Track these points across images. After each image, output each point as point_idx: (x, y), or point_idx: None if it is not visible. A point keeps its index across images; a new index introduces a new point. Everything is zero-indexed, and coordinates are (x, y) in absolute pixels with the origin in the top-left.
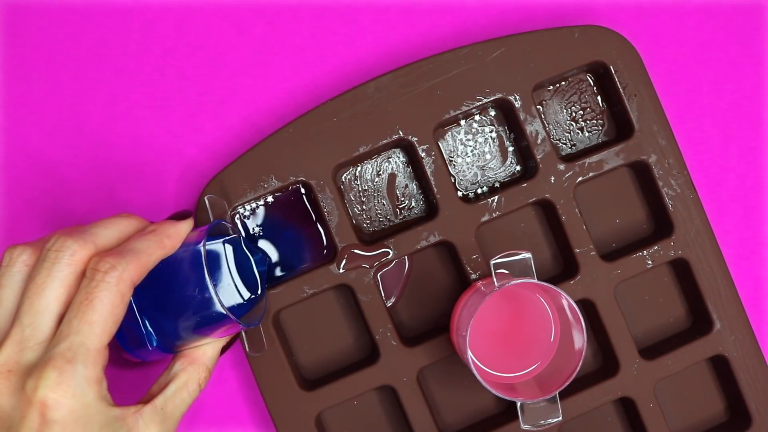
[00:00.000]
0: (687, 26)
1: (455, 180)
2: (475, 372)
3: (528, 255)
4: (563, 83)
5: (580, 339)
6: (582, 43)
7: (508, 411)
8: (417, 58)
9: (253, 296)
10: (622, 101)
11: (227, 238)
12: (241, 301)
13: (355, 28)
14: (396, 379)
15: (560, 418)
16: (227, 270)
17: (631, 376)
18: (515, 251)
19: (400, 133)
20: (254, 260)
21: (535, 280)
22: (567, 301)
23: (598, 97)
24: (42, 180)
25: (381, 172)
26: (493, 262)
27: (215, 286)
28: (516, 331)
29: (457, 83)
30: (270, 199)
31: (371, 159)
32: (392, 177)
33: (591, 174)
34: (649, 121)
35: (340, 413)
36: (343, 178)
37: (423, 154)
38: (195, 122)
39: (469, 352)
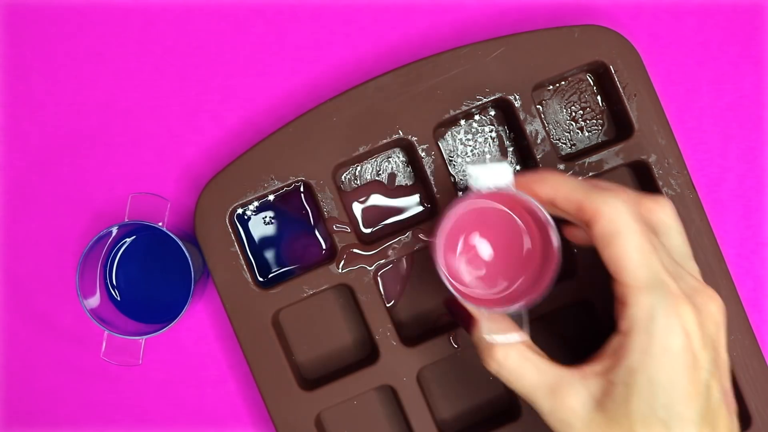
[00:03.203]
0: (687, 26)
1: (455, 180)
2: (448, 286)
3: (507, 164)
4: (563, 83)
5: (555, 240)
6: (582, 42)
7: (508, 411)
8: (417, 58)
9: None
10: (621, 101)
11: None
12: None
13: (354, 28)
14: (396, 379)
15: (527, 338)
16: None
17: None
18: (495, 157)
19: (400, 132)
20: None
21: (513, 190)
22: (534, 206)
23: (598, 97)
24: (42, 180)
25: (381, 172)
26: (468, 167)
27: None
28: (496, 251)
29: (457, 83)
30: (270, 198)
31: (371, 159)
32: (392, 177)
33: (591, 174)
34: (649, 121)
35: (340, 413)
36: (343, 177)
37: (423, 154)
38: (195, 122)
39: (442, 267)
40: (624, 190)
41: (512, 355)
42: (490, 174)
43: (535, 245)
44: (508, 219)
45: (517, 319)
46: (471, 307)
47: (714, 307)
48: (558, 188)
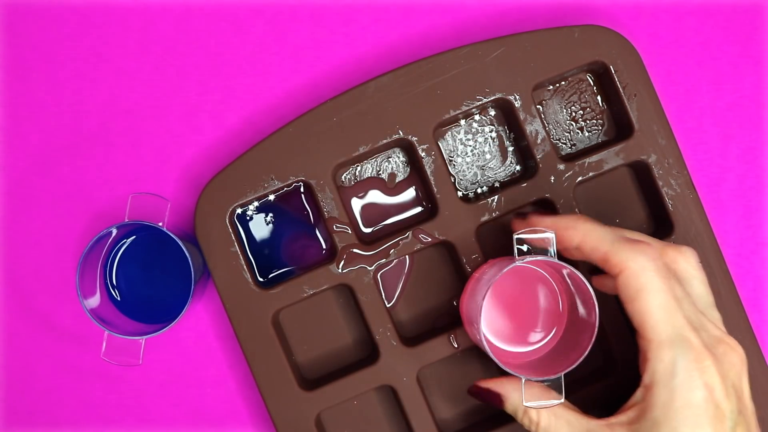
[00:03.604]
0: (687, 26)
1: (455, 180)
2: (488, 350)
3: (551, 234)
4: (563, 83)
5: (590, 314)
6: (582, 43)
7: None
8: (417, 58)
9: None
10: (622, 101)
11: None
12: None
13: (354, 28)
14: (396, 379)
15: (562, 400)
16: None
17: (631, 376)
18: (540, 228)
19: (400, 132)
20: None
21: (555, 259)
22: (579, 279)
23: (598, 97)
24: (42, 180)
25: (381, 172)
26: (516, 236)
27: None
28: (526, 309)
29: (457, 83)
30: (271, 198)
31: (371, 159)
32: (392, 177)
33: (591, 174)
34: (649, 121)
35: (340, 413)
36: (343, 177)
37: (423, 154)
38: (195, 122)
39: (482, 329)
40: (648, 243)
41: (544, 414)
42: (537, 242)
43: (572, 311)
44: (547, 285)
45: (555, 382)
46: (506, 377)
47: (735, 357)
48: (587, 237)
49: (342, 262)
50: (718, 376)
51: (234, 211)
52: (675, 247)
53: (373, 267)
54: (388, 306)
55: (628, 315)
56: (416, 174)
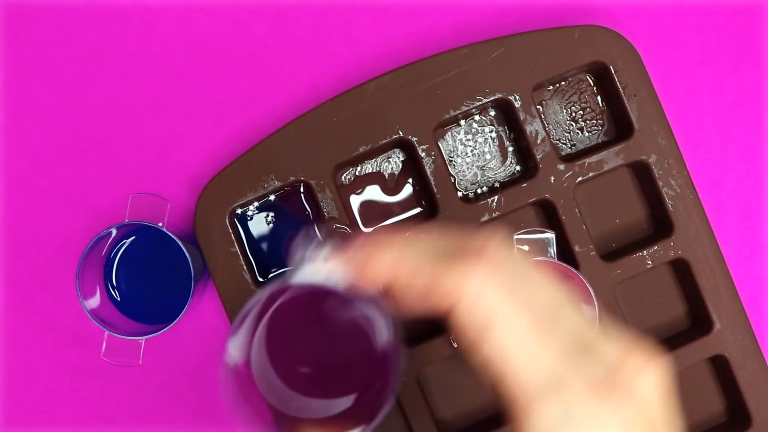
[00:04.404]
0: (687, 26)
1: (455, 180)
2: None
3: (551, 234)
4: (563, 83)
5: (590, 315)
6: (582, 43)
7: None
8: (417, 58)
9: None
10: (622, 101)
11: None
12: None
13: (355, 28)
14: None
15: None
16: None
17: None
18: (539, 228)
19: (400, 133)
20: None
21: (555, 259)
22: (579, 280)
23: (598, 97)
24: (42, 180)
25: (381, 172)
26: (516, 236)
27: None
28: None
29: (457, 83)
30: (271, 198)
31: (371, 159)
32: (392, 177)
33: (591, 174)
34: (649, 121)
35: None
36: (343, 178)
37: (423, 154)
38: (195, 122)
39: None
40: (485, 250)
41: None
42: (536, 243)
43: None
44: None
45: None
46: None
47: (645, 379)
48: (395, 265)
49: None
50: (621, 420)
51: (234, 211)
52: (494, 251)
53: None
54: None
55: (473, 366)
56: (416, 174)
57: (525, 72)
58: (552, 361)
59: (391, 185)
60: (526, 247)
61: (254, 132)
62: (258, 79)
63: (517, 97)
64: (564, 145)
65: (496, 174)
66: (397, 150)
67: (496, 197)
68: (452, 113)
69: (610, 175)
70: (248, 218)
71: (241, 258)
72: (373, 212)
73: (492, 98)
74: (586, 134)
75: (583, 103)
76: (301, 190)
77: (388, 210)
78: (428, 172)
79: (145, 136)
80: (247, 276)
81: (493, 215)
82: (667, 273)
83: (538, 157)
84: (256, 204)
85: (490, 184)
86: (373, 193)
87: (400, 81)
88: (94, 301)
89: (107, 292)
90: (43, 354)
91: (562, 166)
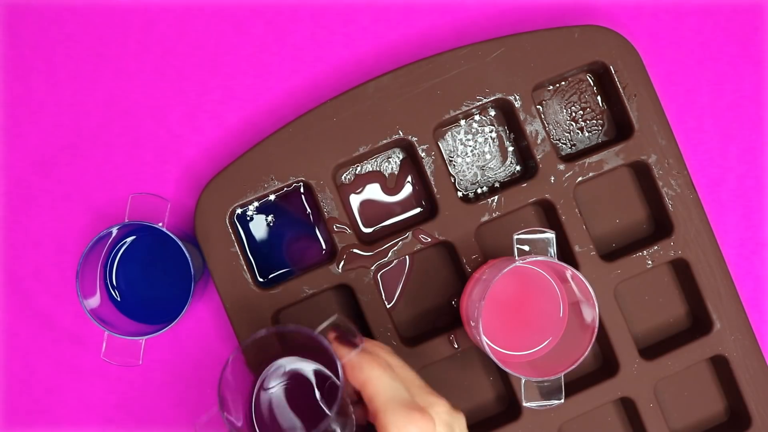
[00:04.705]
0: (687, 26)
1: (455, 180)
2: (487, 350)
3: (551, 234)
4: (563, 83)
5: (590, 315)
6: (582, 43)
7: (508, 411)
8: (417, 58)
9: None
10: (622, 101)
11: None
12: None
13: (354, 28)
14: None
15: (562, 401)
16: None
17: (631, 377)
18: (539, 228)
19: (400, 133)
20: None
21: (555, 259)
22: (580, 280)
23: (598, 97)
24: (42, 180)
25: (381, 172)
26: (516, 236)
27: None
28: (526, 309)
29: (457, 83)
30: (271, 198)
31: (371, 159)
32: (392, 177)
33: (591, 174)
34: (649, 121)
35: None
36: (343, 178)
37: (423, 154)
38: (195, 122)
39: (481, 329)
40: (429, 412)
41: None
42: (536, 243)
43: (571, 312)
44: (546, 285)
45: (554, 382)
46: (512, 374)
47: (439, 411)
48: (369, 383)
49: (342, 263)
50: (428, 428)
51: (234, 211)
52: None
53: (373, 267)
54: (388, 306)
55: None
56: (416, 174)
57: (525, 72)
58: (395, 391)
59: (391, 185)
60: (526, 247)
61: (254, 132)
62: (258, 79)
63: (517, 97)
64: (564, 145)
65: (496, 174)
66: (397, 150)
67: (496, 197)
68: (452, 113)
69: (610, 175)
70: (248, 218)
71: (241, 258)
72: (373, 212)
73: (492, 98)
74: (586, 134)
75: (583, 103)
76: (301, 190)
77: (388, 209)
78: (428, 172)
79: (145, 136)
80: (247, 276)
81: (493, 215)
82: (667, 273)
83: (538, 157)
84: (256, 204)
85: (490, 184)
86: (373, 192)
87: (400, 81)
88: (94, 301)
89: (107, 292)
90: (43, 354)
91: (562, 166)
